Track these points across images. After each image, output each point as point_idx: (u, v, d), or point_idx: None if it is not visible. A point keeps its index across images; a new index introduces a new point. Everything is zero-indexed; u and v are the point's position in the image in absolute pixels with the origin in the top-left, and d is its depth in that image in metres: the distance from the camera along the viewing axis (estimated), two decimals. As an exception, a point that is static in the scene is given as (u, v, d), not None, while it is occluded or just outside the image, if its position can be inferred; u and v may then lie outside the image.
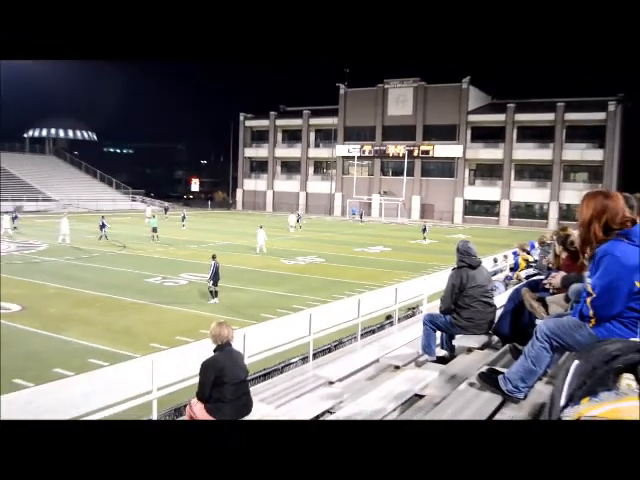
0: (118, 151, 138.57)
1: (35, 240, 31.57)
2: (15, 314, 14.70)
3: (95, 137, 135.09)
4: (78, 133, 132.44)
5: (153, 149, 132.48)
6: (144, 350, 11.62)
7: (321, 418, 5.59)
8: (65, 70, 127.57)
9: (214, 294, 17.10)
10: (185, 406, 6.14)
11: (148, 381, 6.64)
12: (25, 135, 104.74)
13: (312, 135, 76.17)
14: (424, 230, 40.66)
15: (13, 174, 67.64)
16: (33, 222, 43.51)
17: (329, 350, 10.01)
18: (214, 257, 17.51)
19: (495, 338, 6.60)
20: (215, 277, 17.05)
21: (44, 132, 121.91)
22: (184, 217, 43.75)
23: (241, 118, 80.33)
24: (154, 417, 6.66)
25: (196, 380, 5.75)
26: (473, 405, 4.48)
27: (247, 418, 5.55)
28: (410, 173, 65.39)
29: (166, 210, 55.31)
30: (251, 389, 5.91)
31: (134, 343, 12.40)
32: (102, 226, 32.74)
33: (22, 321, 13.99)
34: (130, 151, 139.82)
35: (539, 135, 61.93)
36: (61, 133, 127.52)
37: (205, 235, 37.11)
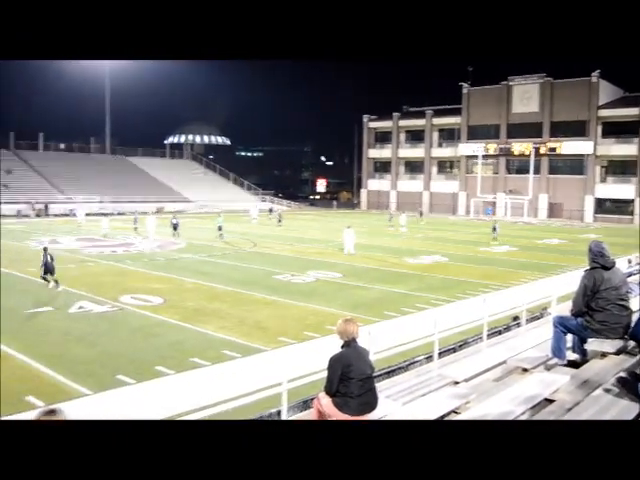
0: (249, 154, 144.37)
1: (175, 238, 33.63)
2: (157, 307, 15.84)
3: (228, 142, 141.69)
4: (213, 138, 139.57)
5: (281, 152, 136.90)
6: (274, 344, 12.12)
7: (447, 418, 5.61)
8: (202, 80, 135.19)
9: (50, 282, 17.99)
10: (312, 399, 6.35)
11: (278, 373, 6.92)
12: (165, 142, 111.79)
13: (435, 135, 75.23)
14: (494, 230, 36.14)
15: (155, 177, 72.54)
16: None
17: (453, 350, 9.92)
18: (45, 250, 18.55)
19: (631, 343, 6.29)
20: (46, 267, 18.05)
21: (182, 138, 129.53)
22: (280, 217, 45.26)
23: (365, 120, 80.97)
24: (284, 409, 6.90)
25: (323, 374, 5.94)
26: (610, 412, 4.32)
27: (373, 414, 5.65)
28: (537, 171, 62.73)
29: (270, 210, 56.73)
30: (376, 385, 6.01)
31: (264, 337, 12.92)
32: (175, 225, 34.29)
33: (164, 313, 15.04)
34: (260, 154, 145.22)
35: (678, 129, 57.09)
36: (197, 139, 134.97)
37: (316, 233, 37.78)
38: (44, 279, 18.27)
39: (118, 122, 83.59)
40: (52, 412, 3.32)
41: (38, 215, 52.73)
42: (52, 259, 18.34)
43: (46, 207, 54.90)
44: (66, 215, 51.35)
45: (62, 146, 77.68)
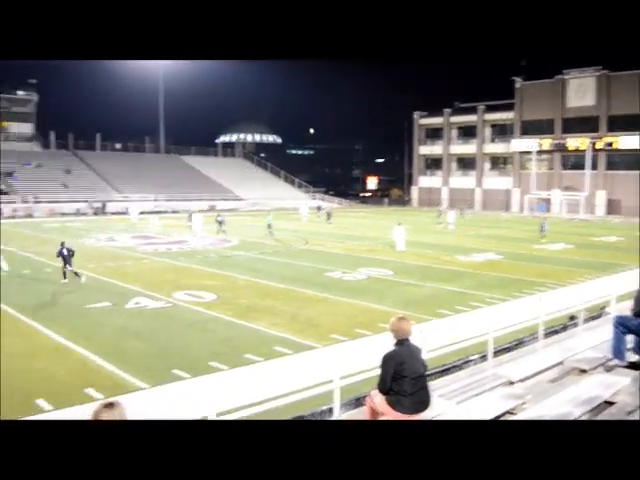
0: (300, 152, 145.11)
1: (227, 236, 34.10)
2: (211, 303, 16.09)
3: (279, 140, 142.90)
4: (264, 137, 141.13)
5: (332, 150, 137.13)
6: (325, 341, 12.14)
7: (502, 418, 5.53)
8: (254, 80, 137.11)
9: (77, 275, 19.12)
10: (365, 397, 6.35)
11: (330, 370, 6.92)
12: (217, 140, 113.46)
13: (487, 130, 73.99)
14: (542, 229, 34.28)
15: (208, 176, 73.71)
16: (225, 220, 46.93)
17: (508, 349, 9.74)
18: (63, 244, 19.59)
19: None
20: (64, 259, 19.10)
21: (234, 137, 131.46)
22: (329, 214, 45.00)
23: (415, 116, 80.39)
24: (336, 406, 6.89)
25: (375, 372, 5.93)
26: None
27: (426, 413, 5.62)
28: (594, 167, 60.60)
29: (319, 208, 56.66)
30: (429, 384, 5.97)
31: (316, 334, 12.97)
32: (220, 222, 35.65)
33: (217, 309, 15.28)
34: (311, 152, 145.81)
35: None
36: (249, 137, 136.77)
37: (362, 231, 37.63)
38: (75, 274, 19.24)
39: (171, 122, 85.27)
40: (111, 405, 3.40)
41: (96, 213, 54.24)
42: (68, 252, 19.35)
43: (104, 205, 56.42)
44: (123, 213, 52.69)
45: (118, 146, 79.76)
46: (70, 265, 19.24)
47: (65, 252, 19.25)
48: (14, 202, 53.75)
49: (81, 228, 40.11)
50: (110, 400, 3.48)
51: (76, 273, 19.22)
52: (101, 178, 66.01)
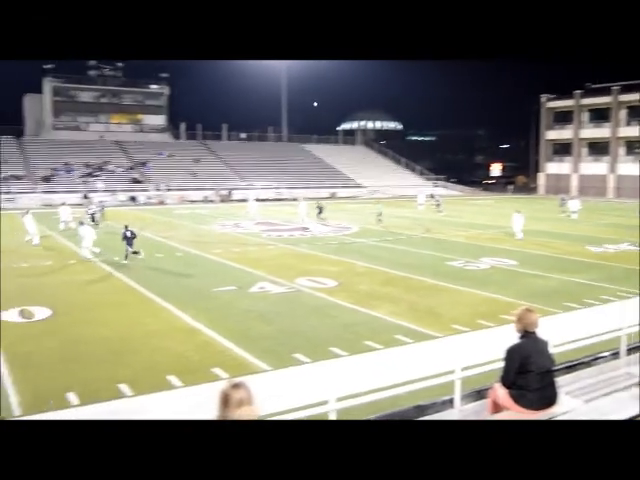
0: (421, 139, 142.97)
1: (348, 223, 34.46)
2: (332, 289, 16.35)
3: (400, 126, 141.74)
4: (385, 124, 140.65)
5: (454, 135, 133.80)
6: (446, 331, 11.97)
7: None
8: (375, 68, 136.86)
9: (137, 253, 20.79)
10: (487, 389, 6.24)
11: (451, 361, 6.85)
12: (338, 128, 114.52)
13: (623, 113, 68.67)
14: None
15: (329, 164, 74.66)
16: (345, 207, 47.45)
17: (644, 348, 9.15)
18: (126, 227, 20.88)
19: None
20: (128, 241, 20.48)
21: (355, 125, 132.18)
22: (438, 202, 43.76)
23: (542, 99, 76.43)
24: (457, 397, 6.81)
25: (498, 365, 5.80)
26: None
27: (552, 410, 5.44)
28: None
29: (432, 196, 55.36)
30: (555, 380, 5.76)
31: (437, 323, 12.82)
32: (320, 210, 35.94)
33: (338, 296, 15.49)
34: (432, 138, 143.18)
35: None
36: (370, 125, 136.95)
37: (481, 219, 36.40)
38: (135, 253, 20.75)
39: (294, 111, 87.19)
40: (238, 385, 3.50)
41: (223, 201, 56.46)
42: (133, 235, 20.80)
43: (229, 193, 58.64)
44: (246, 200, 54.62)
45: (243, 135, 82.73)
46: (131, 247, 20.59)
47: (129, 234, 20.59)
48: (148, 190, 57.36)
49: (208, 215, 42.07)
50: (236, 381, 3.60)
51: (136, 252, 20.70)
52: (227, 167, 68.81)
